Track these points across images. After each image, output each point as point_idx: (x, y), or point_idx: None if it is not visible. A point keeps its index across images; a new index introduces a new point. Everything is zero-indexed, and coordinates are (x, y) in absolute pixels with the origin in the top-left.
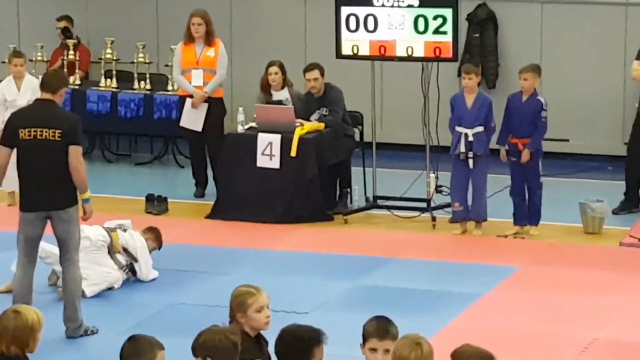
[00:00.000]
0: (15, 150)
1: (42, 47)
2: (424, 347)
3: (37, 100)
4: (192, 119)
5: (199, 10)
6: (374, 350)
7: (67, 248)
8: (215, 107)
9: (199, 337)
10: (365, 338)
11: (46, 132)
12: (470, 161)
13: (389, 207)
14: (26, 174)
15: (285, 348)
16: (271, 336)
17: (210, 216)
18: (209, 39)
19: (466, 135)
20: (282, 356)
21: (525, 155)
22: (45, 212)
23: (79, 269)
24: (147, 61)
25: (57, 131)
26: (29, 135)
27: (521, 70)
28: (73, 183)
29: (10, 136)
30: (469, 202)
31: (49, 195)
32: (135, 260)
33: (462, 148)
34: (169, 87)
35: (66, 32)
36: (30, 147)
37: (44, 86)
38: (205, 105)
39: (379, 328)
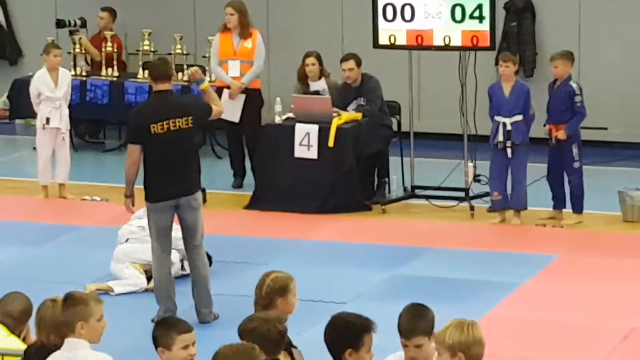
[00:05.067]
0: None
1: (80, 39)
2: (475, 325)
3: (157, 92)
4: (230, 110)
5: (232, 1)
6: (405, 346)
7: (195, 234)
8: (253, 98)
9: (248, 322)
10: (398, 330)
11: (179, 121)
12: (509, 150)
13: (427, 197)
14: (159, 166)
15: (336, 333)
16: (307, 325)
17: (249, 207)
18: (243, 31)
19: (504, 124)
20: (332, 342)
21: (561, 134)
22: (174, 200)
23: (205, 252)
24: (185, 52)
25: (189, 118)
26: (162, 129)
27: (551, 58)
28: (199, 167)
29: (141, 133)
30: (508, 191)
31: (181, 183)
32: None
33: (501, 137)
34: (207, 79)
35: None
36: (165, 140)
37: (158, 77)
38: (243, 97)
39: (406, 327)
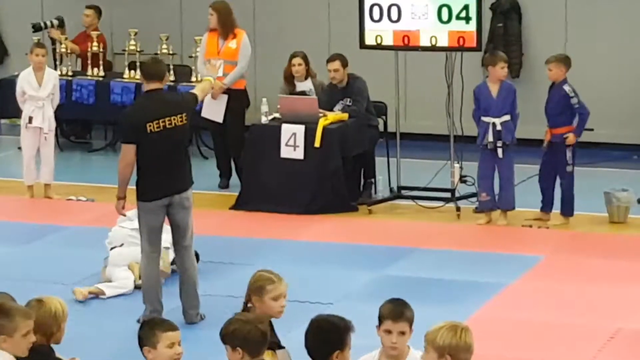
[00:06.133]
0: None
1: (65, 38)
2: (468, 330)
3: (149, 91)
4: (213, 110)
5: (214, 2)
6: (388, 332)
7: (185, 235)
8: (236, 99)
9: (228, 325)
10: (380, 320)
11: (174, 119)
12: (500, 150)
13: (413, 198)
14: (154, 164)
15: (321, 337)
16: (293, 326)
17: (235, 207)
18: (224, 32)
19: (494, 124)
20: (318, 346)
21: (570, 140)
22: (168, 198)
23: (194, 253)
24: (171, 52)
25: (183, 115)
26: (159, 127)
27: (546, 61)
28: (190, 164)
29: (136, 133)
30: (496, 191)
31: (175, 180)
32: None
33: (491, 138)
34: (193, 79)
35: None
36: (161, 138)
37: (150, 76)
38: (225, 97)
39: (394, 310)
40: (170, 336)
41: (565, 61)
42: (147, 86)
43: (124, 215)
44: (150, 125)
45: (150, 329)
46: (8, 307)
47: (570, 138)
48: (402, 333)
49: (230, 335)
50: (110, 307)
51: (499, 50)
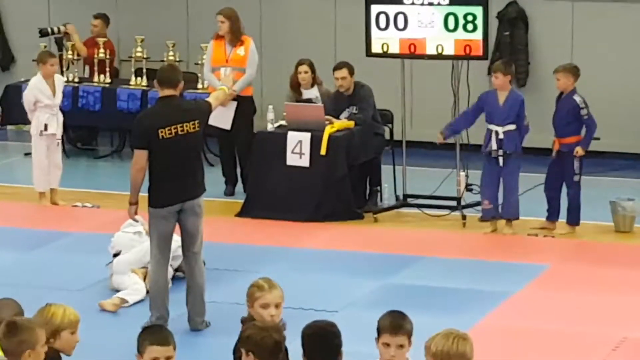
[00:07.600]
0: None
1: (72, 45)
2: (469, 340)
3: (163, 98)
4: (221, 117)
5: (223, 9)
6: (387, 345)
7: (195, 242)
8: (245, 106)
9: (245, 330)
10: (378, 332)
11: (187, 126)
12: (501, 159)
13: (419, 206)
14: (166, 170)
15: (324, 344)
16: (297, 334)
17: (241, 214)
18: (233, 38)
19: (497, 132)
20: (322, 354)
21: (580, 152)
22: (179, 205)
23: (202, 260)
24: (177, 59)
25: (196, 122)
26: (170, 133)
27: (554, 71)
28: (202, 170)
29: (148, 139)
30: (500, 200)
31: (187, 186)
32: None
33: (494, 146)
34: (199, 86)
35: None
36: (173, 144)
37: (165, 83)
38: (234, 104)
39: (392, 323)
40: (154, 350)
41: (573, 71)
42: (161, 92)
43: (136, 221)
44: (162, 132)
45: (142, 336)
46: (26, 322)
47: (579, 151)
48: (401, 346)
49: (244, 340)
50: (118, 313)
51: (506, 59)
